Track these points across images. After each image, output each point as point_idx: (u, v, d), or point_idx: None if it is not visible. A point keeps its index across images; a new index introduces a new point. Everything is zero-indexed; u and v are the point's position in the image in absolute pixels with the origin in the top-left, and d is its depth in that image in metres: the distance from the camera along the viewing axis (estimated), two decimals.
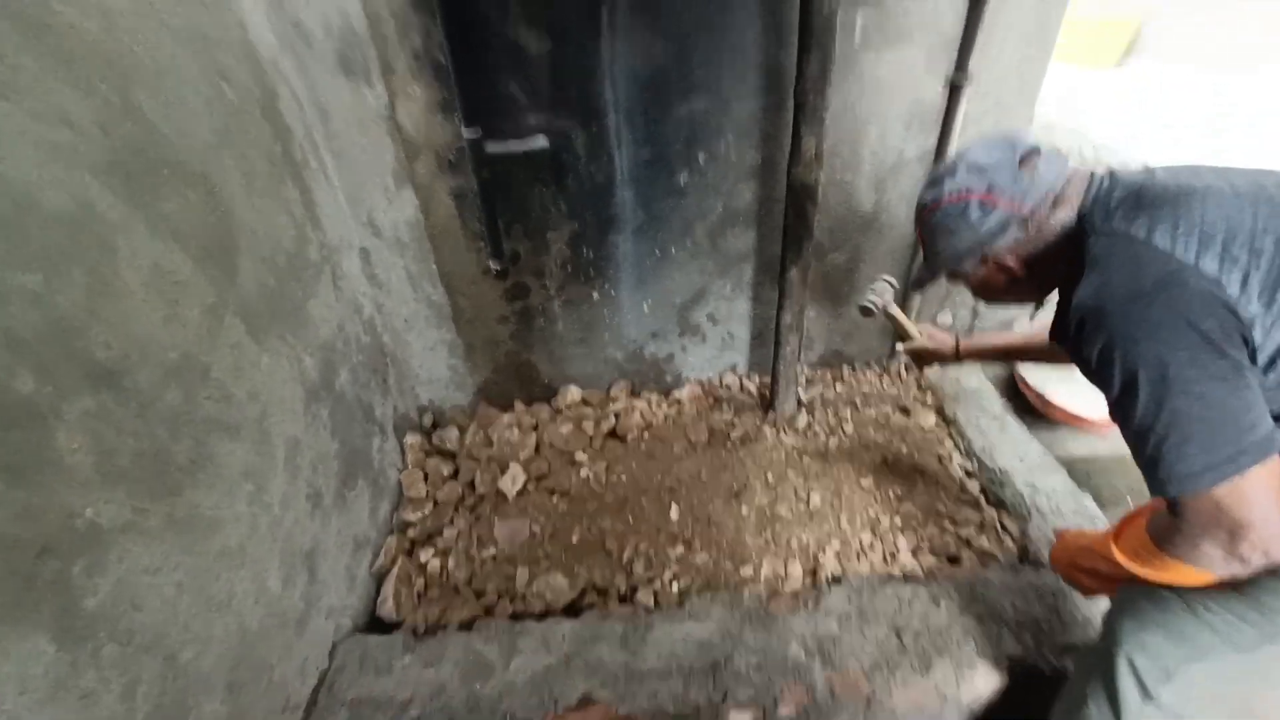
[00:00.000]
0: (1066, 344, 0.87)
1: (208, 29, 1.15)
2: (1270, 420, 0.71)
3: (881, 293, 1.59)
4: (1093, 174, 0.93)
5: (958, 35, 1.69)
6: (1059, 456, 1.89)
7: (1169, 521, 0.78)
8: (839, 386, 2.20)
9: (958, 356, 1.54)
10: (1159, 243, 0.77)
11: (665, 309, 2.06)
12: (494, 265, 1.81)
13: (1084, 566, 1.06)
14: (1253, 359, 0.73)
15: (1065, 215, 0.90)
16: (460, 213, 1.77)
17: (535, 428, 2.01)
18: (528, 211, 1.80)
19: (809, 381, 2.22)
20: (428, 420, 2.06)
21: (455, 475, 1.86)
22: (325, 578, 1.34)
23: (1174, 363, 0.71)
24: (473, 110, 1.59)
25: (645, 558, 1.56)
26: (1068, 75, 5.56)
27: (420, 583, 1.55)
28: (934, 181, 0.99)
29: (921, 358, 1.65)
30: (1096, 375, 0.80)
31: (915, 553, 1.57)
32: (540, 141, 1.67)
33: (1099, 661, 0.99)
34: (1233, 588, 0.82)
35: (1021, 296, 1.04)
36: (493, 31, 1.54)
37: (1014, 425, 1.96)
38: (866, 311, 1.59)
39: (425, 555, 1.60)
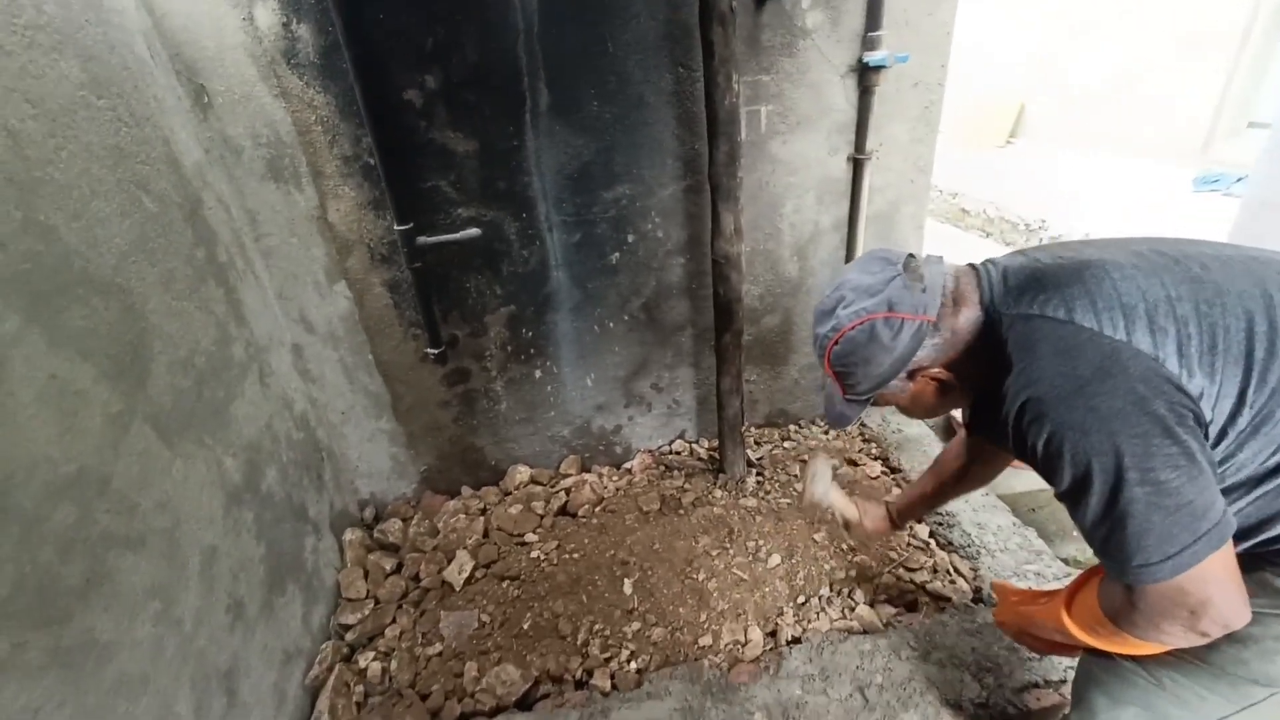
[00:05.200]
0: (997, 436, 0.84)
1: (125, 144, 1.19)
2: (1223, 501, 0.68)
3: (824, 478, 1.36)
4: (973, 266, 0.90)
5: (853, 120, 1.88)
6: (1002, 495, 1.94)
7: (1126, 602, 0.74)
8: (786, 444, 2.23)
9: (896, 526, 1.40)
10: (1083, 321, 0.73)
11: (609, 382, 2.09)
12: (431, 351, 1.82)
13: (1037, 635, 1.05)
14: (1206, 436, 0.69)
15: (971, 313, 0.86)
16: (395, 303, 1.79)
17: (483, 512, 1.94)
18: (464, 297, 1.84)
19: (757, 442, 2.25)
20: (369, 514, 1.98)
21: (399, 570, 1.76)
22: (248, 699, 1.22)
23: (1129, 452, 0.66)
24: (404, 207, 1.65)
25: (600, 638, 1.49)
26: (968, 154, 6.28)
27: (360, 691, 1.42)
28: (824, 314, 0.90)
29: (865, 542, 1.57)
30: (1043, 466, 0.75)
31: (873, 603, 1.56)
32: (472, 231, 1.73)
33: None
34: (1194, 655, 0.81)
35: (955, 402, 0.97)
36: (421, 135, 1.63)
37: None
38: (818, 506, 1.37)
39: (364, 660, 1.49)
